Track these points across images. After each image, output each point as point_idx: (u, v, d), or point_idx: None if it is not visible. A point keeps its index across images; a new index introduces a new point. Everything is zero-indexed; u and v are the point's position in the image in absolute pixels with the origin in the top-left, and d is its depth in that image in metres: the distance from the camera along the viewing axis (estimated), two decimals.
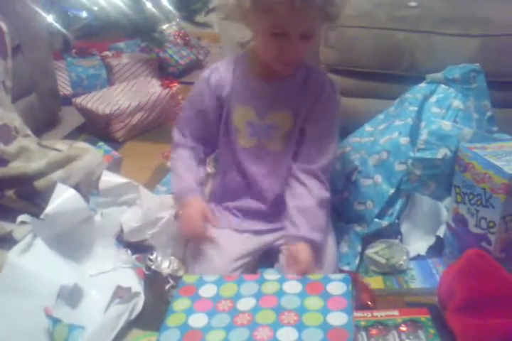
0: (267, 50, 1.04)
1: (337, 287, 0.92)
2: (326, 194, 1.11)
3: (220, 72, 1.14)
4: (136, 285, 1.10)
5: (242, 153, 1.16)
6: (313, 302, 0.90)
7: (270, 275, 1.00)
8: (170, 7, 2.29)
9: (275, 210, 1.17)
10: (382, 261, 1.17)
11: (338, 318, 0.86)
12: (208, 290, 0.95)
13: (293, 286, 0.94)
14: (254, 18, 1.00)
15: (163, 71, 2.47)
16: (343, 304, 0.89)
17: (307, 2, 0.94)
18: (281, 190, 1.15)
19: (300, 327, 0.85)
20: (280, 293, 0.92)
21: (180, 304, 0.93)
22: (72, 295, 1.01)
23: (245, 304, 0.91)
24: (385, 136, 1.28)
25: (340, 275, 0.96)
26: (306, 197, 1.09)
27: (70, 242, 1.11)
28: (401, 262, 1.18)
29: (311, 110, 1.11)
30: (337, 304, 0.89)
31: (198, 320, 0.89)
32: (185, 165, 1.16)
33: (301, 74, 1.11)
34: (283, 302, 0.90)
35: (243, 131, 1.14)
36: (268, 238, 1.17)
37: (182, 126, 1.20)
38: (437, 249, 1.22)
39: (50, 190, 1.13)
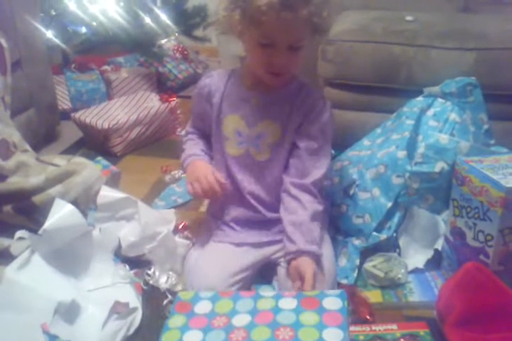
0: (256, 60, 1.07)
1: (333, 302, 0.92)
2: (318, 207, 1.11)
3: (214, 80, 1.18)
4: (134, 300, 1.09)
5: (230, 160, 1.18)
6: (309, 317, 0.89)
7: (266, 292, 0.99)
8: (168, 22, 2.32)
9: (271, 220, 1.18)
10: (381, 274, 1.17)
11: (333, 334, 0.85)
12: (203, 307, 0.95)
13: (288, 302, 0.93)
14: (243, 29, 1.03)
15: (161, 85, 2.48)
16: (338, 320, 0.88)
17: (293, 13, 0.96)
18: (269, 198, 1.17)
19: None
20: (276, 310, 0.92)
21: (175, 321, 0.92)
22: (69, 311, 1.00)
23: (240, 320, 0.90)
24: (383, 150, 1.29)
25: (337, 291, 0.95)
26: (299, 211, 1.09)
27: (68, 258, 1.11)
28: (399, 275, 1.18)
29: (302, 125, 1.13)
30: (333, 319, 0.88)
31: (192, 337, 0.88)
32: (194, 142, 1.24)
33: (293, 88, 1.13)
34: (278, 318, 0.89)
35: (232, 139, 1.16)
36: (267, 251, 1.17)
37: (192, 121, 1.28)
38: (435, 262, 1.22)
39: (48, 205, 1.13)
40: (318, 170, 1.12)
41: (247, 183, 1.17)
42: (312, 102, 1.12)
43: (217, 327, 0.89)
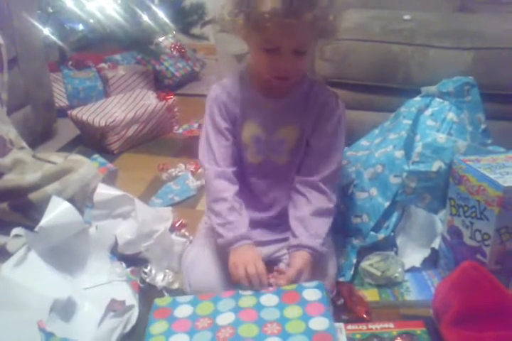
0: (260, 65, 1.05)
1: (312, 294, 0.94)
2: (326, 204, 1.10)
3: (228, 90, 1.13)
4: (130, 298, 1.09)
5: (249, 167, 1.16)
6: (293, 311, 0.91)
7: (245, 291, 0.99)
8: (166, 19, 2.32)
9: (280, 221, 1.17)
10: (378, 273, 1.17)
11: (319, 323, 0.87)
12: (183, 311, 0.94)
13: (269, 299, 0.94)
14: (247, 33, 1.02)
15: (159, 83, 2.48)
16: (321, 309, 0.90)
17: (297, 19, 0.94)
18: (286, 202, 1.16)
19: (285, 336, 0.85)
20: (259, 307, 0.92)
21: (157, 327, 0.91)
22: (65, 309, 1.00)
23: (225, 319, 0.90)
24: (380, 150, 1.29)
25: (314, 283, 0.97)
26: (304, 207, 1.09)
27: (64, 255, 1.11)
28: (396, 274, 1.18)
29: (315, 123, 1.12)
30: (315, 310, 0.90)
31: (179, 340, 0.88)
32: (230, 206, 1.07)
33: (304, 87, 1.12)
34: (263, 315, 0.90)
35: (251, 147, 1.15)
36: (269, 249, 1.17)
37: (208, 153, 1.13)
38: (432, 261, 1.22)
39: (44, 202, 1.13)
40: (327, 167, 1.11)
41: (266, 187, 1.17)
42: (324, 100, 1.12)
43: (203, 329, 0.89)
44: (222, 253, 1.11)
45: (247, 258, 1.01)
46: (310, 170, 1.12)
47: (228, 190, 1.09)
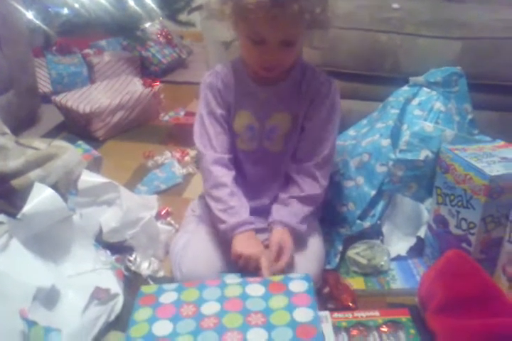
0: (248, 55, 1.05)
1: (299, 285, 0.93)
2: (316, 191, 1.11)
3: (222, 78, 1.13)
4: (115, 286, 1.08)
5: (242, 155, 1.16)
6: (278, 301, 0.90)
7: (231, 279, 0.99)
8: (153, 5, 2.28)
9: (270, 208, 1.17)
10: (364, 261, 1.18)
11: (304, 314, 0.87)
12: (168, 297, 0.94)
13: (256, 289, 0.93)
14: (234, 23, 1.01)
15: (145, 70, 2.46)
16: (307, 300, 0.90)
17: (282, 10, 0.92)
18: (279, 190, 1.16)
19: (269, 327, 0.85)
20: (244, 296, 0.92)
21: (141, 314, 0.91)
22: (48, 297, 0.98)
23: (210, 308, 0.90)
24: (367, 139, 1.29)
25: (301, 274, 0.97)
26: (294, 194, 1.11)
27: (48, 243, 1.09)
28: (382, 263, 1.18)
29: (308, 109, 1.11)
30: (301, 300, 0.90)
31: (162, 328, 0.87)
32: (230, 191, 1.08)
33: (297, 74, 1.11)
34: (248, 305, 0.90)
35: (243, 135, 1.14)
36: (262, 237, 1.16)
37: (203, 139, 1.12)
38: (418, 249, 1.23)
39: (27, 189, 1.10)
40: (320, 152, 1.11)
41: (260, 175, 1.17)
42: (317, 87, 1.11)
43: (187, 316, 0.89)
44: (217, 239, 1.11)
45: (252, 251, 1.01)
46: (303, 155, 1.12)
47: (227, 175, 1.10)
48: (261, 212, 1.17)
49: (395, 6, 1.63)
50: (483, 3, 1.76)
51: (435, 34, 1.49)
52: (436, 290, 1.00)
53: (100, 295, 1.02)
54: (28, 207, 1.05)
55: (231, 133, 1.14)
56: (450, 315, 0.97)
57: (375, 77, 1.56)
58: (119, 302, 1.06)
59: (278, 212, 1.10)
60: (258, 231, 1.15)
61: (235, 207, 1.06)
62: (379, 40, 1.52)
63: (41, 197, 1.07)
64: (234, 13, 0.98)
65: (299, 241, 1.10)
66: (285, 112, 1.12)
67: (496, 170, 1.01)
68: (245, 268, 1.02)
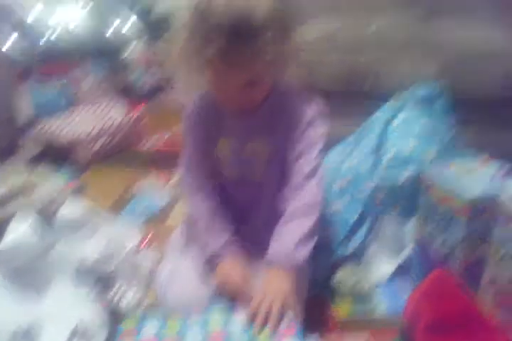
0: (217, 95, 1.05)
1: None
2: (308, 200, 1.04)
3: (200, 109, 1.13)
4: (97, 319, 1.06)
5: (227, 182, 1.16)
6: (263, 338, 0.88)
7: (216, 313, 0.96)
8: (135, 29, 2.30)
9: (263, 237, 1.12)
10: (349, 286, 1.17)
11: None
12: (150, 329, 0.92)
13: (240, 323, 0.91)
14: (199, 72, 1.00)
15: (128, 93, 2.45)
16: (292, 331, 0.87)
17: (238, 57, 0.92)
18: (265, 217, 1.13)
19: None
20: (228, 330, 0.90)
21: None
22: (28, 335, 0.96)
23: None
24: (348, 162, 1.29)
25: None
26: (286, 235, 1.04)
27: (27, 278, 1.06)
28: (367, 286, 1.18)
29: (285, 133, 1.09)
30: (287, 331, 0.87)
31: None
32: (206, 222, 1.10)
33: (274, 103, 1.09)
34: (232, 339, 0.88)
35: (226, 164, 1.14)
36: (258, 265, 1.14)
37: (189, 166, 1.15)
38: (403, 271, 1.22)
39: (6, 223, 1.09)
40: (306, 166, 1.06)
41: (246, 201, 1.15)
42: (291, 112, 1.08)
43: None
44: (202, 266, 1.09)
45: (235, 280, 1.00)
46: (292, 190, 1.07)
47: (206, 206, 1.11)
48: (255, 236, 1.14)
49: (373, 28, 1.65)
50: (459, 20, 1.79)
51: (413, 54, 1.51)
52: (421, 312, 0.99)
53: (83, 330, 1.00)
54: (4, 243, 1.03)
55: (215, 160, 1.14)
56: (436, 337, 0.96)
57: (355, 96, 1.57)
58: (103, 334, 1.04)
59: (271, 248, 1.03)
60: (253, 257, 1.10)
61: (213, 236, 1.07)
62: (358, 62, 1.54)
63: (19, 232, 1.06)
64: (196, 60, 0.97)
65: None
66: (261, 142, 1.11)
67: (477, 189, 1.01)
68: (231, 297, 1.00)
